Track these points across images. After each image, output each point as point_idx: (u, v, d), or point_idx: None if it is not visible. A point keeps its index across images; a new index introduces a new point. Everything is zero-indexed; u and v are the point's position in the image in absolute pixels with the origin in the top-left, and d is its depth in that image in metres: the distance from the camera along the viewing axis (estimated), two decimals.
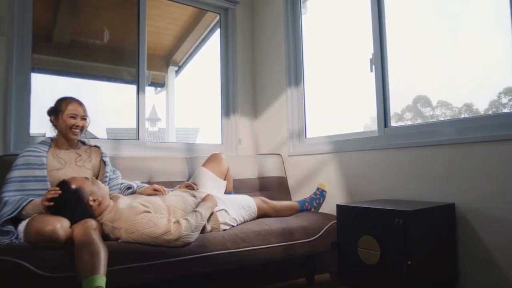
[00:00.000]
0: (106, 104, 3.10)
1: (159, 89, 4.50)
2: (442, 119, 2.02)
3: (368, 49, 2.31)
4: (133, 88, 2.68)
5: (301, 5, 2.89)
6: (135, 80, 2.67)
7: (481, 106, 1.89)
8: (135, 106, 2.66)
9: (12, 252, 1.34)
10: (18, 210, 1.58)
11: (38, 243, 1.38)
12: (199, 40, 3.90)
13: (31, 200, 1.62)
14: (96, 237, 1.43)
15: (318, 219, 2.12)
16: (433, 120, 2.07)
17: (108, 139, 2.53)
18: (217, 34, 3.24)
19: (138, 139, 2.61)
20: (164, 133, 5.97)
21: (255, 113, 3.20)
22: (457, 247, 1.77)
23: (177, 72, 4.39)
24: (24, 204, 1.60)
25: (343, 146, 2.40)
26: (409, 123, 2.19)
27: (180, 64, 4.34)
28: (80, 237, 1.41)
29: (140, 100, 2.65)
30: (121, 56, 3.02)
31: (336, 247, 1.90)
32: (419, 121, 2.16)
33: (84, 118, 1.90)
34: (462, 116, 1.96)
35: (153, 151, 2.62)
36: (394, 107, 2.23)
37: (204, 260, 1.66)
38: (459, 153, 1.79)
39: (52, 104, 1.90)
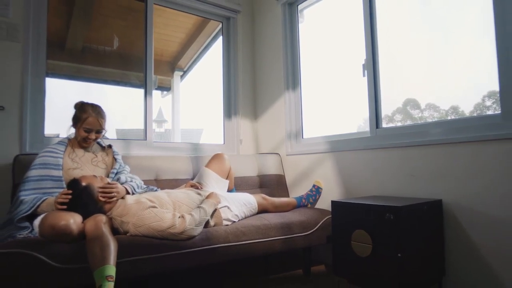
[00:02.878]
0: (116, 106, 3.10)
1: (165, 92, 4.50)
2: (430, 120, 2.02)
3: (360, 55, 2.32)
4: (141, 91, 2.69)
5: (298, 14, 2.89)
6: (143, 84, 2.67)
7: (467, 108, 1.89)
8: (143, 108, 2.66)
9: (28, 245, 1.35)
10: (33, 208, 1.58)
11: (52, 236, 1.38)
12: (203, 47, 3.90)
13: (45, 199, 1.62)
14: (106, 230, 1.44)
15: (314, 214, 2.12)
16: (422, 121, 2.07)
17: (117, 139, 2.53)
18: (219, 41, 3.24)
19: (146, 139, 2.61)
20: (170, 133, 5.97)
21: (255, 115, 3.20)
22: (444, 241, 1.78)
23: (182, 76, 4.39)
24: (38, 203, 1.60)
25: (338, 146, 2.40)
26: (399, 124, 2.19)
27: (185, 69, 4.34)
28: (91, 231, 1.41)
29: (147, 103, 2.65)
30: (130, 61, 3.02)
31: (331, 240, 1.90)
32: (408, 122, 2.16)
33: (99, 131, 1.88)
34: (449, 118, 1.96)
35: (160, 151, 2.62)
36: (385, 110, 2.23)
37: (207, 252, 1.66)
38: (446, 153, 1.79)
39: (74, 101, 1.90)
